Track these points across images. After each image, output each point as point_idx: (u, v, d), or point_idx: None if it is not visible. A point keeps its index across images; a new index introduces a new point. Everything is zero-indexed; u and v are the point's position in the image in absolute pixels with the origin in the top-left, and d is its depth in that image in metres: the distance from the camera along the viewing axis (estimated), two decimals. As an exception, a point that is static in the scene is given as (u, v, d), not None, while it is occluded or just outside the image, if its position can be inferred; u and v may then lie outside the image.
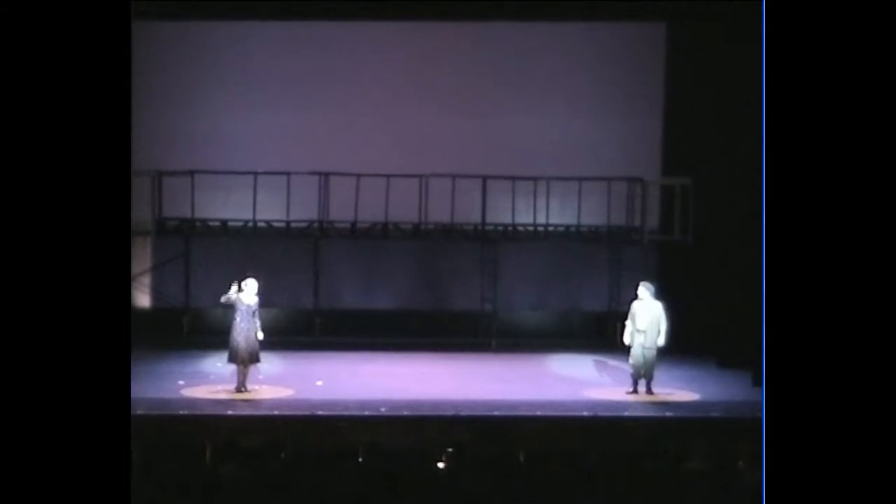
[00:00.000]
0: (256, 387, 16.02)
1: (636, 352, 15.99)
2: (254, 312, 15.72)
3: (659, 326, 15.95)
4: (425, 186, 20.10)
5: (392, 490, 9.38)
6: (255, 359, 15.81)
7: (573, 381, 17.36)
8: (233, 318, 15.73)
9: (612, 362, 18.66)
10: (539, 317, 21.57)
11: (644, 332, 15.94)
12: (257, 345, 15.75)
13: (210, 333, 19.85)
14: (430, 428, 14.05)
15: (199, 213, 20.15)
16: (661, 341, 15.95)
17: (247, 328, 15.65)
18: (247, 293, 15.74)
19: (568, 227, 20.60)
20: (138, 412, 13.02)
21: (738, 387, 16.78)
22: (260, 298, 15.86)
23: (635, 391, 16.05)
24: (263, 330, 15.83)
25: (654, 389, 16.07)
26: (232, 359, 15.81)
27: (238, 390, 15.74)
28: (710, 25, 19.55)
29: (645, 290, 16.17)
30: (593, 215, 20.42)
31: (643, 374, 16.01)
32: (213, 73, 20.67)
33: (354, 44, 20.85)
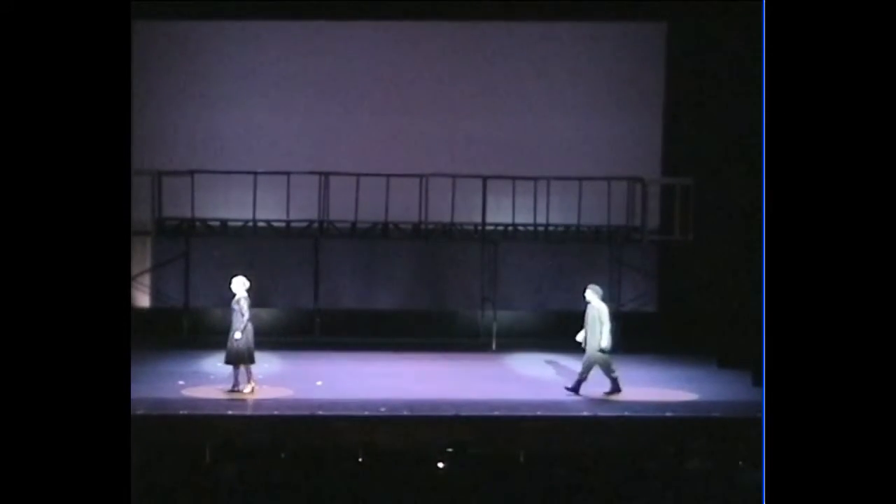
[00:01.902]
0: (254, 386, 15.97)
1: (588, 353, 16.00)
2: (235, 311, 15.62)
3: (601, 328, 15.90)
4: (425, 186, 20.10)
5: (392, 490, 9.39)
6: (233, 359, 15.68)
7: (572, 381, 17.33)
8: None
9: (612, 363, 18.66)
10: (539, 317, 21.57)
11: (588, 334, 15.93)
12: (233, 345, 15.55)
13: (210, 333, 19.87)
14: (430, 428, 14.05)
15: (199, 213, 20.15)
16: (605, 343, 15.82)
17: (232, 328, 15.63)
18: (235, 293, 15.73)
19: (568, 227, 20.60)
20: (138, 412, 13.02)
21: (738, 387, 16.78)
22: (250, 295, 15.72)
23: (575, 390, 15.99)
24: (258, 331, 15.63)
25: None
26: (226, 360, 15.81)
27: (232, 390, 15.73)
28: (710, 25, 19.56)
29: (591, 293, 16.14)
30: (593, 215, 20.42)
31: (608, 375, 15.96)
32: (213, 73, 20.68)
33: (355, 44, 20.86)
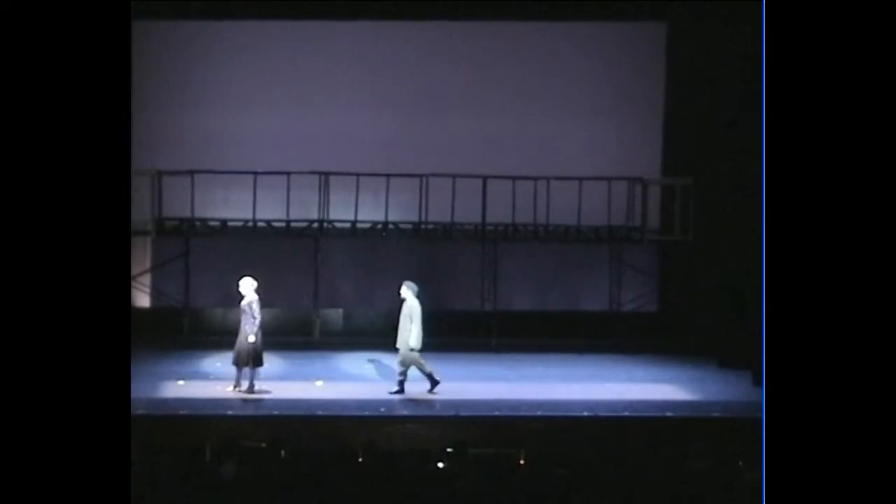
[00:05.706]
0: (257, 387, 15.98)
1: (401, 351, 15.91)
2: (246, 313, 15.62)
3: (411, 326, 15.79)
4: (425, 186, 20.10)
5: (392, 490, 9.39)
6: (242, 361, 15.68)
7: (572, 381, 17.36)
8: None
9: (612, 362, 18.69)
10: (539, 317, 21.54)
11: (400, 331, 15.86)
12: (243, 347, 15.62)
13: (210, 333, 19.88)
14: (430, 428, 14.07)
15: (199, 213, 20.13)
16: (412, 342, 15.75)
17: (242, 330, 15.64)
18: (244, 294, 15.76)
19: (568, 227, 20.58)
20: (138, 412, 13.03)
21: (738, 387, 16.80)
22: (258, 296, 15.79)
23: (399, 391, 15.90)
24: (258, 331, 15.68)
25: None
26: (234, 360, 15.81)
27: (234, 388, 15.74)
28: (710, 25, 19.56)
29: (406, 289, 16.08)
30: (593, 215, 20.40)
31: (423, 372, 15.92)
32: (213, 72, 20.66)
33: (354, 44, 20.84)
